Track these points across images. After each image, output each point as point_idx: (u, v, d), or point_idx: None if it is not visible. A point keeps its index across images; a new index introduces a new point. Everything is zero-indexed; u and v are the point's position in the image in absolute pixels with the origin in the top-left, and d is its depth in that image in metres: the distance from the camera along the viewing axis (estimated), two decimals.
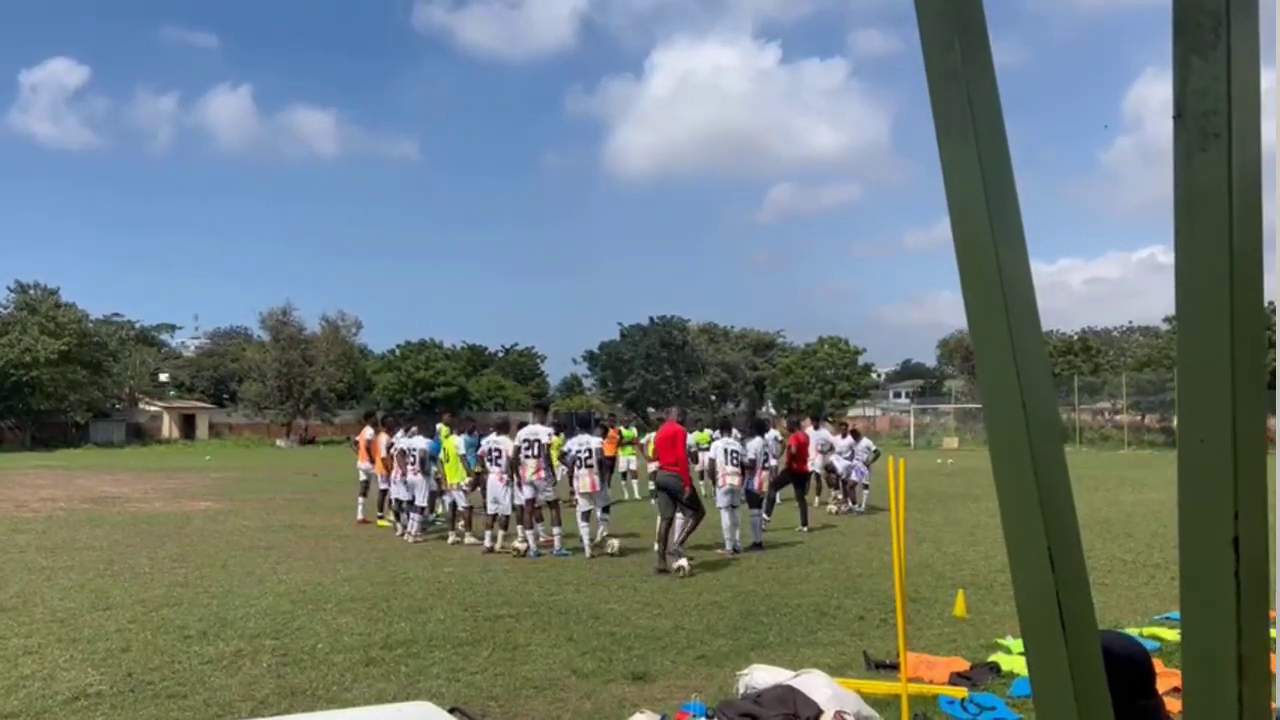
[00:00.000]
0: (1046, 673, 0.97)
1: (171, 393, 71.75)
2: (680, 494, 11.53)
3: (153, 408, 66.22)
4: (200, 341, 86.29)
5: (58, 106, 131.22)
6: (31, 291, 56.79)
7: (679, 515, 11.49)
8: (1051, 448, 0.99)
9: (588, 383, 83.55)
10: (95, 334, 59.12)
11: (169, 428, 65.25)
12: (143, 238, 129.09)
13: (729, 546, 12.55)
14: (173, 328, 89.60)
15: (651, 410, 70.63)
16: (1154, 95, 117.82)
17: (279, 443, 61.22)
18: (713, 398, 74.04)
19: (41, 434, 54.34)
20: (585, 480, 12.39)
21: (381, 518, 15.74)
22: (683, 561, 11.06)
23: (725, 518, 12.51)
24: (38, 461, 38.37)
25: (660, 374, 72.33)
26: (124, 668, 6.83)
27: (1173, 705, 5.94)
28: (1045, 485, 0.98)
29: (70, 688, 6.32)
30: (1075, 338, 66.89)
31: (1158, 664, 7.06)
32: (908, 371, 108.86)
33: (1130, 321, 76.33)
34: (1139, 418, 54.29)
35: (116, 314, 76.86)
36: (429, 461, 14.20)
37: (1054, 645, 0.96)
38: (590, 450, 12.47)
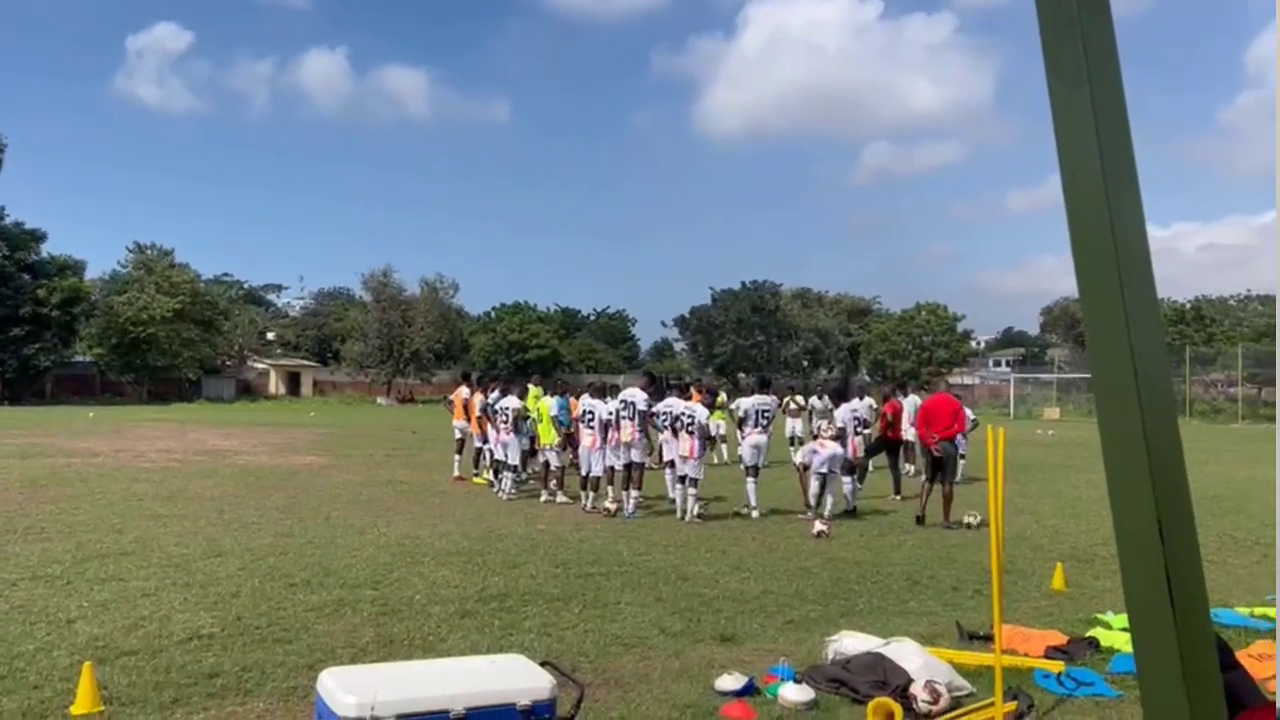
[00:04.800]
0: (1153, 649, 0.93)
1: (278, 351, 74.33)
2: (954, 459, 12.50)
3: (260, 365, 68.78)
4: (305, 301, 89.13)
5: (163, 71, 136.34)
6: (148, 251, 59.28)
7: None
8: (1164, 418, 0.94)
9: (678, 347, 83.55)
10: (207, 293, 61.59)
11: (275, 384, 67.71)
12: (247, 200, 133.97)
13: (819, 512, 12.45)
14: (279, 288, 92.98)
15: (742, 375, 70.30)
16: None
17: (379, 401, 62.99)
18: (805, 364, 73.27)
19: (157, 389, 56.98)
20: (685, 444, 12.43)
21: (477, 475, 16.08)
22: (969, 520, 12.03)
23: (813, 484, 12.40)
24: (154, 415, 40.22)
25: (751, 339, 71.81)
26: (234, 612, 7.15)
27: None
28: (1157, 456, 0.93)
29: (184, 629, 6.65)
30: (1188, 306, 64.21)
31: (1268, 645, 6.76)
32: (1009, 339, 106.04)
33: (1249, 290, 72.54)
34: (1255, 391, 51.93)
35: (226, 274, 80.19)
36: (521, 421, 14.41)
37: (1162, 622, 0.91)
38: (694, 417, 12.51)
